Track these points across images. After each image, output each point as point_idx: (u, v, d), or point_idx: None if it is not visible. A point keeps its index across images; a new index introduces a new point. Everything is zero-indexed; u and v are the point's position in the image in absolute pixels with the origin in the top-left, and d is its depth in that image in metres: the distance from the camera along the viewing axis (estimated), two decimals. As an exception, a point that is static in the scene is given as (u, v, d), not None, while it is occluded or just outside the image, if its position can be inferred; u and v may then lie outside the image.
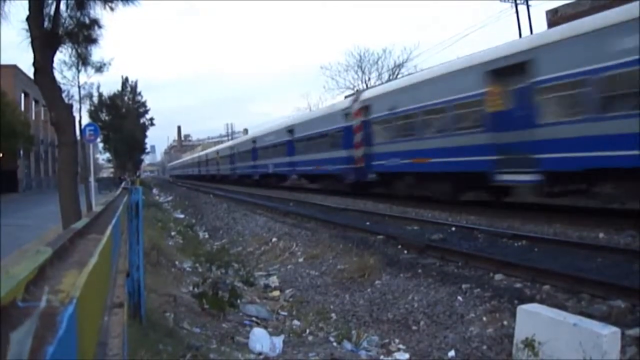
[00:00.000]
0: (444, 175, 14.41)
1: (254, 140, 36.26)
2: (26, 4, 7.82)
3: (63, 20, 8.94)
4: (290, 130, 28.32)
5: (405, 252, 8.79)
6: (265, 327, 5.86)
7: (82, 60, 16.25)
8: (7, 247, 8.46)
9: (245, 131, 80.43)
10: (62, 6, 8.74)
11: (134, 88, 45.79)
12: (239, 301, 6.47)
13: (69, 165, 8.75)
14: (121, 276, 2.87)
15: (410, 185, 16.44)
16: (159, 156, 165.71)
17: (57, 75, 12.79)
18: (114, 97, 40.88)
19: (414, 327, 5.84)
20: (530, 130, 11.09)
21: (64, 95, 12.82)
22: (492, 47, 13.15)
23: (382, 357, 5.28)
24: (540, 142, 10.85)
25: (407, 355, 5.22)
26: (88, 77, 28.70)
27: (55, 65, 9.05)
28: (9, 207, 20.20)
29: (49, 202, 15.98)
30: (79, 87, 22.89)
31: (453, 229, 10.57)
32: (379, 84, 31.31)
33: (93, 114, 36.43)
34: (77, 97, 23.43)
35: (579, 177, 10.42)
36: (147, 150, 69.43)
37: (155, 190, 42.79)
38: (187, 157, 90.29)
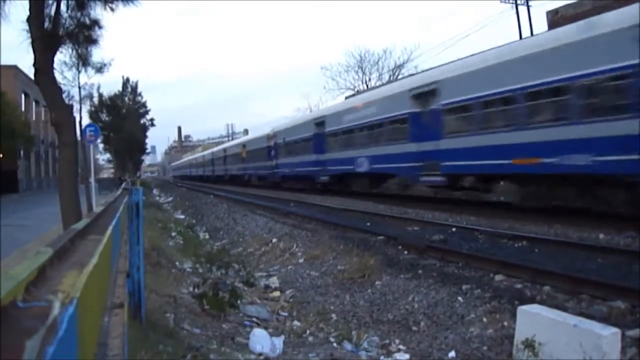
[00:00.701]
0: None
1: (319, 122, 23.23)
2: (26, 5, 7.84)
3: (63, 21, 8.95)
4: (427, 92, 14.83)
5: (406, 252, 8.78)
6: (266, 328, 5.85)
7: (83, 60, 16.31)
8: (7, 247, 8.46)
9: (246, 131, 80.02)
10: (63, 7, 8.75)
11: (134, 88, 45.84)
12: (239, 302, 6.46)
13: (70, 166, 8.76)
14: (121, 276, 2.87)
15: None
16: (159, 157, 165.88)
17: (58, 76, 12.83)
18: (114, 98, 40.92)
19: (414, 328, 5.84)
20: None
21: (64, 95, 12.84)
22: None
23: (382, 357, 5.28)
24: None
25: (407, 356, 5.22)
26: (88, 77, 28.77)
27: (55, 65, 9.07)
28: (9, 207, 20.20)
29: (49, 203, 15.98)
30: (80, 87, 22.96)
31: (453, 229, 10.56)
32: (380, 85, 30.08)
33: (93, 115, 36.45)
34: (77, 97, 23.49)
35: None
36: (147, 151, 69.38)
37: (155, 191, 42.80)
38: (194, 154, 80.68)
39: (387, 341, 5.67)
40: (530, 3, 26.70)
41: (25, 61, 35.79)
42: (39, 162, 45.41)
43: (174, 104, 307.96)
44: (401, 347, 5.49)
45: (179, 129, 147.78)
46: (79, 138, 15.05)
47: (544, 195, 11.72)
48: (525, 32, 25.60)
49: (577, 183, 10.62)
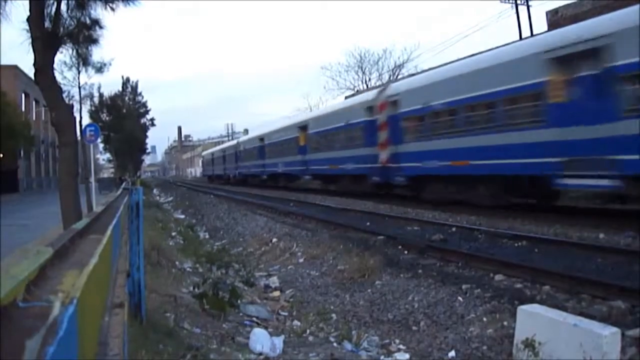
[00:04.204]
0: None
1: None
2: (27, 4, 7.84)
3: (64, 21, 8.96)
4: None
5: (406, 252, 8.78)
6: (266, 328, 5.86)
7: (83, 60, 16.34)
8: (7, 247, 8.46)
9: (246, 131, 79.67)
10: (63, 6, 8.75)
11: (134, 88, 45.77)
12: (239, 301, 6.47)
13: (70, 166, 8.77)
14: (121, 276, 2.87)
15: None
16: (159, 156, 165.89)
17: (58, 76, 12.84)
18: (114, 98, 40.89)
19: (414, 328, 5.84)
20: None
21: (64, 95, 12.85)
22: None
23: (382, 357, 5.28)
24: None
25: (407, 356, 5.22)
26: (88, 77, 28.72)
27: (55, 65, 9.07)
28: (9, 207, 20.21)
29: (49, 203, 15.98)
30: (80, 87, 22.97)
31: (453, 229, 10.56)
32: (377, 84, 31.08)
33: (93, 115, 36.45)
34: (77, 97, 23.50)
35: None
36: (147, 151, 69.17)
37: (155, 191, 42.78)
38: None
39: (387, 341, 5.67)
40: (530, 3, 26.69)
41: (26, 61, 35.78)
42: (39, 162, 45.43)
43: (174, 104, 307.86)
44: (401, 346, 5.49)
45: (179, 128, 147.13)
46: (79, 138, 15.06)
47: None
48: (526, 32, 25.60)
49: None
